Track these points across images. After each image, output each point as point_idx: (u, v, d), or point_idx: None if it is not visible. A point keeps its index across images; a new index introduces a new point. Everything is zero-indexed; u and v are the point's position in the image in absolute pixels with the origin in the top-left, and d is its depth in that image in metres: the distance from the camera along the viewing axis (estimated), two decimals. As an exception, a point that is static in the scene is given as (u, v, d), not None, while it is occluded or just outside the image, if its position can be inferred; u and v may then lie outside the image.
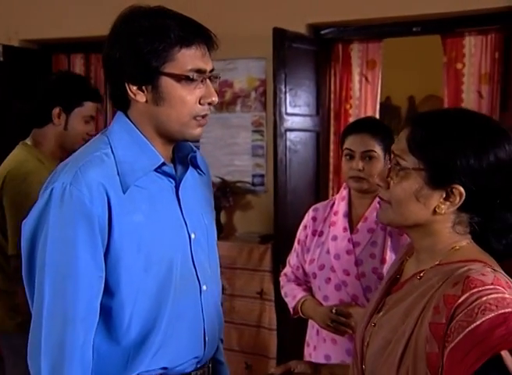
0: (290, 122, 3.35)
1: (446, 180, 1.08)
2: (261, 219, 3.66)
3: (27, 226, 1.24)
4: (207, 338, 1.39)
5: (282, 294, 2.14)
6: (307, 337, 2.11)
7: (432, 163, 1.09)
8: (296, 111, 3.41)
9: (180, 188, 1.36)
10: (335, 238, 1.98)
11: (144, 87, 1.27)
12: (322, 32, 3.56)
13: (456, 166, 1.07)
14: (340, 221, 2.00)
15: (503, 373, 0.94)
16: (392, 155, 1.15)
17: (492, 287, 1.00)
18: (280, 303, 3.28)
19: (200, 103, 1.30)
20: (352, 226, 1.99)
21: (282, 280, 2.17)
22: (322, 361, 1.90)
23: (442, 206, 1.10)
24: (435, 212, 1.11)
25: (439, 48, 3.51)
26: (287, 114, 3.32)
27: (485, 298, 0.98)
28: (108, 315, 1.26)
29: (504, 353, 0.94)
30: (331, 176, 3.74)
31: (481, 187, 1.08)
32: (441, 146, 1.08)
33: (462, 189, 1.07)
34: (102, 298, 1.25)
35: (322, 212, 2.08)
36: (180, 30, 1.25)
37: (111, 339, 1.27)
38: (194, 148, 1.43)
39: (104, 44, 1.29)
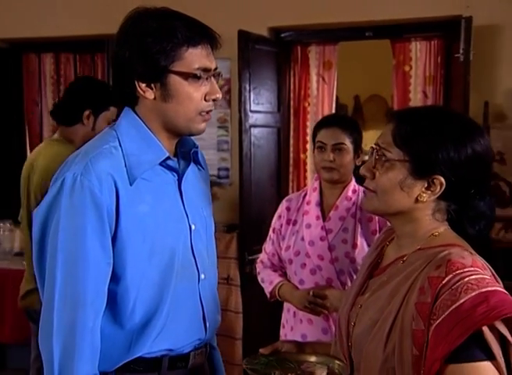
0: (254, 118, 3.32)
1: (429, 171, 1.10)
2: (227, 210, 3.62)
3: (39, 214, 1.20)
4: (207, 323, 1.37)
5: (259, 279, 2.12)
6: (283, 320, 2.10)
7: (415, 155, 1.10)
8: (260, 108, 3.38)
9: (182, 182, 1.35)
10: (309, 226, 1.99)
11: (152, 85, 1.25)
12: (283, 35, 3.54)
13: (437, 158, 1.09)
14: (313, 210, 2.00)
15: (484, 346, 0.97)
16: (377, 148, 1.15)
17: (472, 268, 1.03)
18: (245, 288, 3.30)
19: (205, 99, 1.29)
20: (324, 215, 2.00)
21: (259, 266, 2.15)
22: (299, 340, 1.90)
23: (424, 195, 1.12)
24: (417, 200, 1.13)
25: (388, 52, 3.56)
26: (251, 111, 3.29)
27: (467, 279, 1.01)
28: (113, 300, 1.23)
29: (485, 329, 0.96)
30: (291, 169, 3.73)
31: (459, 178, 1.10)
32: (424, 140, 1.10)
33: (442, 179, 1.10)
34: (108, 283, 1.22)
35: (295, 202, 2.08)
36: (187, 31, 1.23)
37: (115, 323, 1.24)
38: (196, 144, 1.40)
39: (107, 43, 1.26)
